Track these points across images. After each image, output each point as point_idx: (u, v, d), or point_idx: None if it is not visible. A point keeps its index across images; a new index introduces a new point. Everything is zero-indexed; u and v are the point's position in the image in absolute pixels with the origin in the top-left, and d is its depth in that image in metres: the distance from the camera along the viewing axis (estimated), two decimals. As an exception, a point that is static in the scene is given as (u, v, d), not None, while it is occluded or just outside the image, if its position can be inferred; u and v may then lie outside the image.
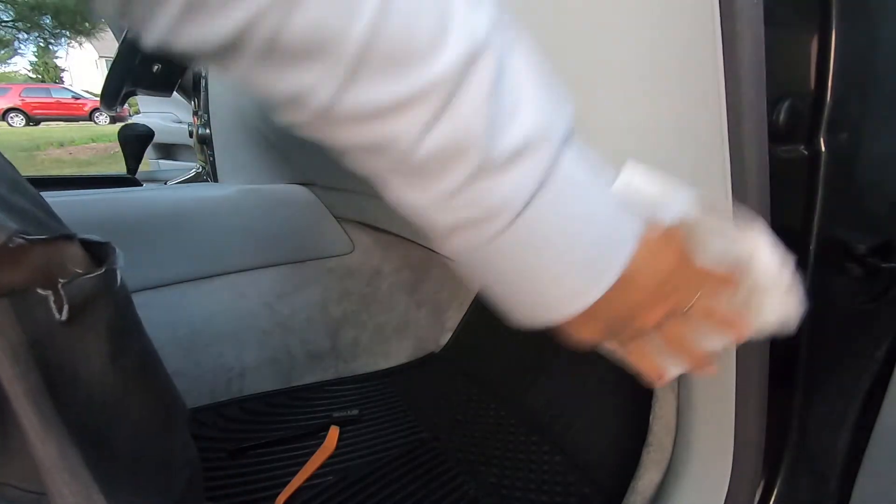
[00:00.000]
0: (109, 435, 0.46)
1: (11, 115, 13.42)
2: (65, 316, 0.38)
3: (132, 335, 0.49)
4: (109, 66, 1.36)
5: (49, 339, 0.38)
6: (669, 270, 0.30)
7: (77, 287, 0.39)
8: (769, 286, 0.33)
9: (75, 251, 0.41)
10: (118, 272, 0.44)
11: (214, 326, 0.95)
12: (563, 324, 0.31)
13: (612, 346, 0.37)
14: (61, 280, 0.37)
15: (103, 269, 0.42)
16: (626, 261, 0.28)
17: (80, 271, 0.40)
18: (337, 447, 0.88)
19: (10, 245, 0.33)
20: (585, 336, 0.32)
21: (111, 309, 0.43)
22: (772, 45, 0.41)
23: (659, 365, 0.37)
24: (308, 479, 0.80)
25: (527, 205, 0.25)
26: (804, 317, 0.33)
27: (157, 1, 0.20)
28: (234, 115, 0.97)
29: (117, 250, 0.45)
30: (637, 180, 0.31)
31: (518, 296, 0.30)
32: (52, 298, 0.37)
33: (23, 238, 0.34)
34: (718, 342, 0.35)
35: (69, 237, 0.41)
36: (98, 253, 0.44)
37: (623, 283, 0.29)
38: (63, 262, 0.39)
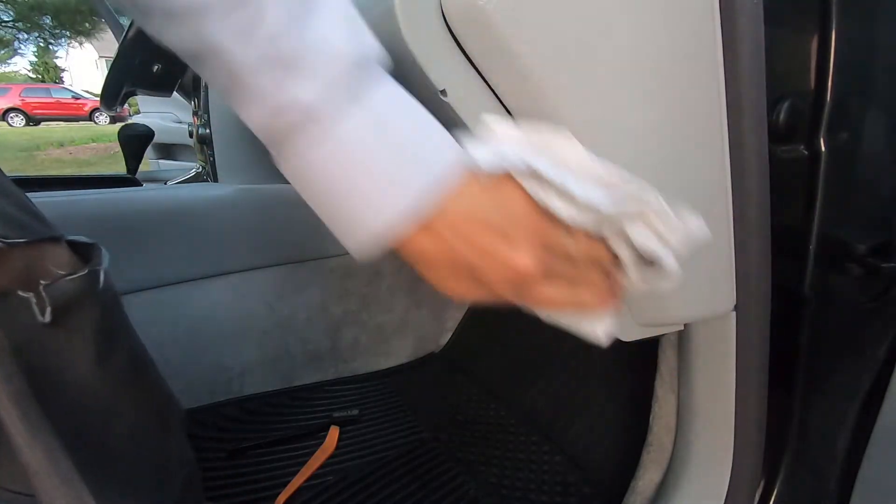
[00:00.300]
0: (103, 438, 0.45)
1: (11, 115, 13.42)
2: (48, 318, 0.37)
3: (120, 337, 0.48)
4: (109, 66, 1.36)
5: (33, 342, 0.37)
6: (522, 213, 0.29)
7: (60, 289, 0.38)
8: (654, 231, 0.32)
9: (60, 253, 0.41)
10: (102, 272, 0.43)
11: (214, 326, 0.95)
12: (421, 269, 0.31)
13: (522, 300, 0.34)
14: (43, 282, 0.37)
15: (86, 270, 0.41)
16: (446, 188, 0.28)
17: (63, 273, 0.39)
18: (337, 447, 0.88)
19: None
20: (452, 286, 0.31)
21: (97, 310, 0.43)
22: (772, 45, 0.41)
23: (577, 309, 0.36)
24: (308, 479, 0.80)
25: (340, 116, 0.27)
26: (804, 317, 0.33)
27: None
28: (234, 115, 0.97)
29: (103, 250, 0.44)
30: (506, 133, 0.31)
31: (339, 215, 0.30)
32: (34, 301, 0.36)
33: (2, 242, 0.34)
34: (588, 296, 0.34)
35: (55, 239, 0.40)
36: (85, 254, 0.43)
37: (461, 219, 0.29)
38: (46, 265, 0.39)
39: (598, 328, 0.37)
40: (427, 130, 0.29)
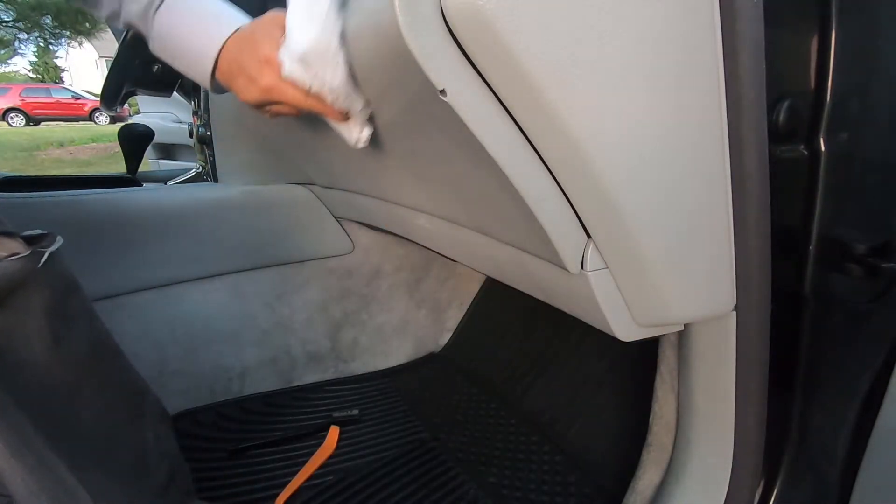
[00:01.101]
0: (73, 419, 0.46)
1: (11, 115, 13.41)
2: None
3: (78, 323, 0.49)
4: (109, 66, 1.36)
5: None
6: (273, 38, 0.48)
7: (1, 269, 0.40)
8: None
9: (9, 244, 0.42)
10: (46, 254, 0.44)
11: (214, 326, 0.95)
12: (225, 81, 0.52)
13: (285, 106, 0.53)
14: None
15: (28, 252, 0.42)
16: (233, 28, 0.50)
17: (5, 254, 0.41)
18: (337, 447, 0.88)
19: None
20: (251, 92, 0.51)
21: (45, 291, 0.45)
22: (772, 45, 0.41)
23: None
24: (308, 479, 0.80)
25: None
26: (804, 317, 0.33)
27: None
28: (234, 115, 0.97)
29: (58, 238, 0.47)
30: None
31: (183, 58, 0.52)
32: None
33: None
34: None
35: (7, 233, 0.42)
36: (38, 244, 0.45)
37: (240, 42, 0.49)
38: None
39: (351, 132, 0.55)
40: (219, 5, 0.52)
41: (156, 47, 0.53)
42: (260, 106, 0.53)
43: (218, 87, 0.54)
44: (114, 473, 0.49)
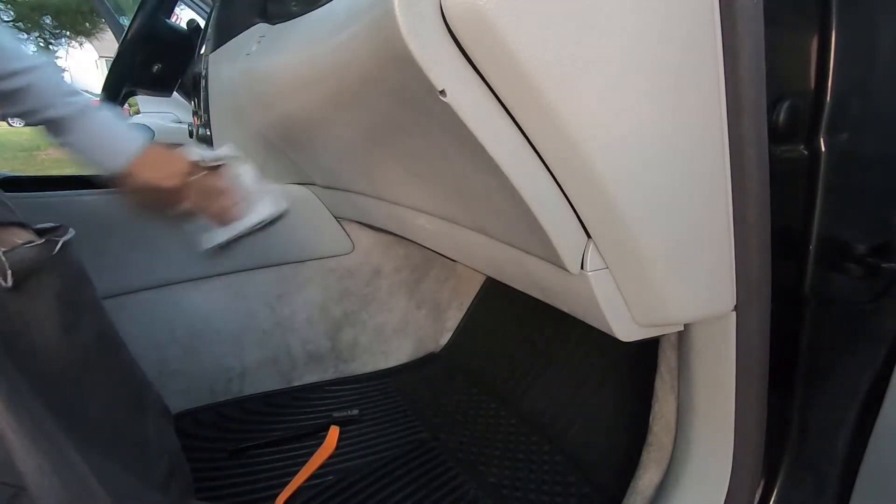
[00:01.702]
0: (80, 407, 0.48)
1: (11, 115, 13.39)
2: (10, 282, 0.41)
3: (87, 313, 0.51)
4: (109, 66, 1.36)
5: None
6: (178, 166, 0.69)
7: (18, 255, 0.42)
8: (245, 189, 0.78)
9: (24, 234, 0.45)
10: (60, 242, 0.47)
11: (214, 326, 0.95)
12: (128, 196, 0.68)
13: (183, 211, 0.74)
14: (3, 249, 0.42)
15: (43, 240, 0.45)
16: (128, 155, 0.64)
17: (22, 242, 0.43)
18: (337, 447, 0.88)
19: None
20: (145, 204, 0.70)
21: (59, 280, 0.47)
22: (772, 45, 0.41)
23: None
24: (308, 479, 0.80)
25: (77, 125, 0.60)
26: (804, 317, 0.33)
27: None
28: (234, 115, 0.97)
29: (70, 229, 0.49)
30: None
31: (95, 161, 0.64)
32: None
33: None
34: (216, 208, 0.78)
35: (22, 225, 0.45)
36: (50, 234, 0.48)
37: (142, 166, 0.64)
38: (10, 238, 0.43)
39: (217, 236, 0.81)
40: (122, 129, 0.65)
41: (68, 141, 0.63)
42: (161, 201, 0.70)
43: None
44: (119, 463, 0.50)
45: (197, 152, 0.74)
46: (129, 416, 0.56)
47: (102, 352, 0.53)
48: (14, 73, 0.60)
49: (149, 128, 1.64)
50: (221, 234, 0.83)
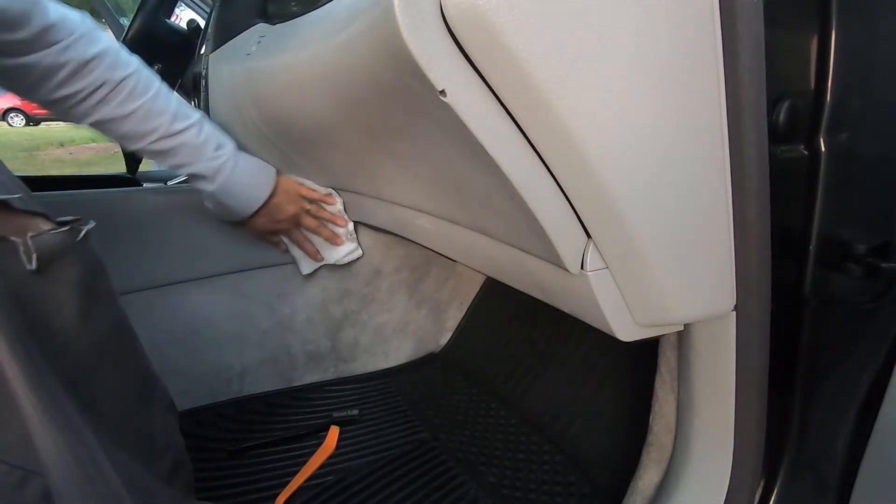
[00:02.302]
0: (94, 392, 0.48)
1: (11, 114, 13.39)
2: (34, 265, 0.42)
3: (104, 303, 0.52)
4: (109, 66, 1.35)
5: (23, 287, 0.42)
6: (294, 193, 0.88)
7: (44, 240, 0.43)
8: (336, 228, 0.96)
9: (47, 222, 0.46)
10: (84, 231, 0.48)
11: (214, 326, 0.95)
12: (255, 223, 0.87)
13: (285, 237, 0.94)
14: (30, 233, 0.42)
15: (69, 227, 0.46)
16: (271, 189, 0.85)
17: (47, 228, 0.45)
18: (337, 447, 0.88)
19: None
20: (269, 228, 0.89)
21: (79, 268, 0.48)
22: (772, 45, 0.41)
23: (310, 246, 0.95)
24: (308, 479, 0.80)
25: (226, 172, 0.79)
26: (804, 317, 0.33)
27: None
28: (234, 115, 0.97)
29: (91, 221, 0.50)
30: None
31: (233, 209, 0.83)
32: (21, 248, 0.42)
33: (6, 199, 0.41)
34: (329, 232, 0.95)
35: (45, 216, 0.45)
36: (76, 224, 0.49)
37: (275, 197, 0.86)
38: (36, 223, 0.44)
39: (307, 265, 0.99)
40: (260, 166, 0.86)
41: (207, 191, 0.80)
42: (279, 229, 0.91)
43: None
44: (127, 452, 0.51)
45: (310, 183, 0.91)
46: (138, 408, 0.56)
47: (116, 342, 0.54)
48: (176, 133, 0.73)
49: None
50: (320, 260, 0.98)
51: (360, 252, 1.00)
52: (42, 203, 0.45)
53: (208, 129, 0.77)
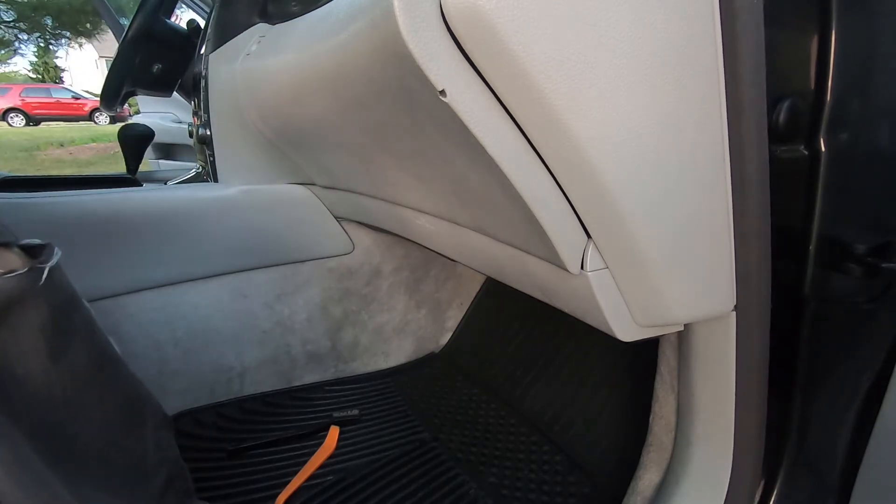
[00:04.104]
0: (71, 433, 0.45)
1: (11, 115, 13.40)
2: None
3: (77, 338, 0.48)
4: (109, 66, 1.36)
5: None
6: None
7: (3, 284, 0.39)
8: None
9: (8, 256, 0.41)
10: (46, 270, 0.43)
11: (214, 326, 0.95)
12: None
13: None
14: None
15: (26, 269, 0.42)
16: None
17: (3, 272, 0.40)
18: (337, 447, 0.88)
19: None
20: None
21: (44, 308, 0.43)
22: (772, 45, 0.41)
23: None
24: (308, 479, 0.80)
25: None
26: (804, 317, 0.33)
27: None
28: (234, 115, 0.97)
29: (56, 250, 0.45)
30: None
31: None
32: None
33: None
34: None
35: (5, 244, 0.41)
36: (37, 255, 0.44)
37: None
38: None
39: None
40: None
41: None
42: None
43: None
44: (112, 487, 0.49)
45: None
46: (126, 433, 0.54)
47: (96, 373, 0.51)
48: None
49: (149, 127, 1.64)
50: None
51: None
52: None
53: None
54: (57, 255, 0.45)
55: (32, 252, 0.44)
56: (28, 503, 0.37)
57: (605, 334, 0.52)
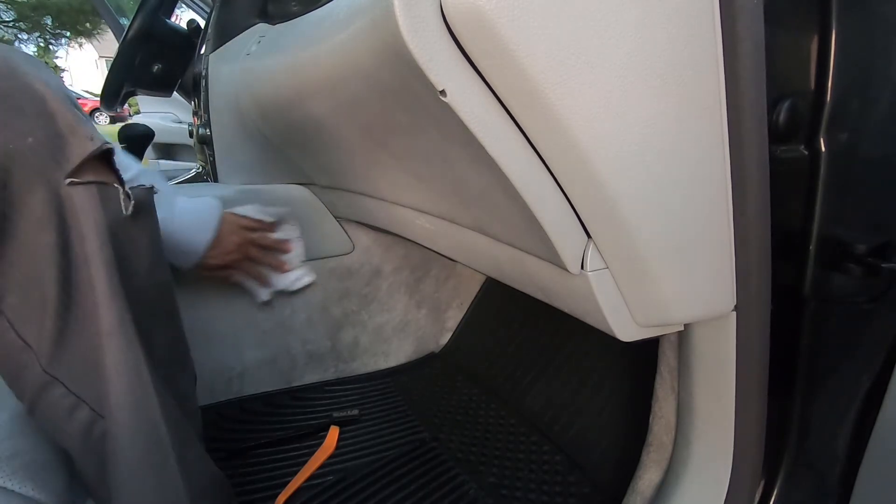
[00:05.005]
0: (152, 339, 0.52)
1: (11, 115, 13.37)
2: (129, 211, 0.48)
3: (163, 261, 0.57)
4: (109, 66, 1.36)
5: (118, 227, 0.47)
6: (234, 224, 0.84)
7: (137, 192, 0.49)
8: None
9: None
10: (156, 192, 0.55)
11: (214, 326, 0.95)
12: (208, 260, 0.81)
13: (233, 273, 0.89)
14: (129, 185, 0.49)
15: (152, 185, 0.54)
16: (216, 226, 0.80)
17: (135, 184, 0.51)
18: (337, 447, 0.88)
19: (103, 149, 0.46)
20: (220, 262, 0.83)
21: (154, 224, 0.54)
22: (772, 45, 0.41)
23: (261, 275, 0.93)
24: (308, 479, 0.80)
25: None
26: (804, 317, 0.33)
27: None
28: (234, 115, 0.97)
29: (154, 186, 0.56)
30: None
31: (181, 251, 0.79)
32: (122, 195, 0.48)
33: (110, 146, 0.47)
34: (274, 260, 0.93)
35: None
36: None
37: (215, 243, 0.80)
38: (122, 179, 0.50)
39: (263, 292, 0.95)
40: (201, 205, 0.81)
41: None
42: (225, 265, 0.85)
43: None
44: (175, 406, 0.54)
45: (255, 210, 0.89)
46: (178, 370, 0.60)
47: (170, 299, 0.59)
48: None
49: (149, 128, 1.64)
50: (272, 287, 0.95)
51: (309, 279, 0.97)
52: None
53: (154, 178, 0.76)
54: (157, 189, 0.55)
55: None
56: (124, 384, 0.47)
57: (605, 334, 0.52)
